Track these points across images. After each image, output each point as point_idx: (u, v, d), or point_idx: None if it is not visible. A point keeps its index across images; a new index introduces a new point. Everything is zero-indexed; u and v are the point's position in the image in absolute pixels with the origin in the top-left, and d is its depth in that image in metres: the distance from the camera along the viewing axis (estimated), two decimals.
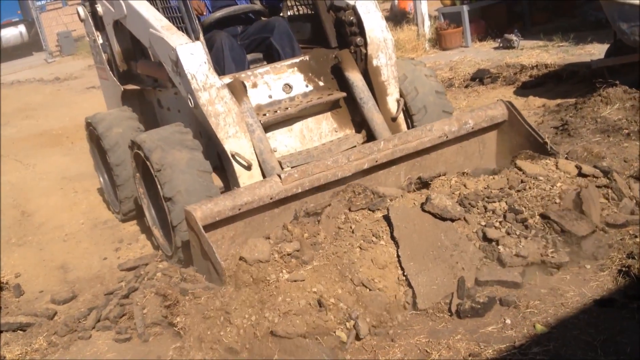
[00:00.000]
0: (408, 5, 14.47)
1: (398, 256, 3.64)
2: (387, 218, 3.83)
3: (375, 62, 4.88)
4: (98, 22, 6.12)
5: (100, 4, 5.87)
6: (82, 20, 6.38)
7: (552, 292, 3.50)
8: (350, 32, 4.95)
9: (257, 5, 5.61)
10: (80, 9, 6.26)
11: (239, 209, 3.84)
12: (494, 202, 4.01)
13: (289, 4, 6.02)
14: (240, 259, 3.57)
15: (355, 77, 4.87)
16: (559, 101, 7.12)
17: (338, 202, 4.06)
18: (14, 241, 5.95)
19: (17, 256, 5.58)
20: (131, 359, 3.64)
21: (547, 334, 3.16)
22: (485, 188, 4.18)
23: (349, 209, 4.00)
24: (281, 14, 5.89)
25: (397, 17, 14.40)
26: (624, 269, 3.52)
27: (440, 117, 4.97)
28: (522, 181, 4.15)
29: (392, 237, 3.72)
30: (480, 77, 8.73)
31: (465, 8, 10.81)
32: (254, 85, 4.77)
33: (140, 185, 4.97)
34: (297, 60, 4.99)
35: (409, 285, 3.53)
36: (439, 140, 4.49)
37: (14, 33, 25.13)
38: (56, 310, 4.41)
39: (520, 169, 4.29)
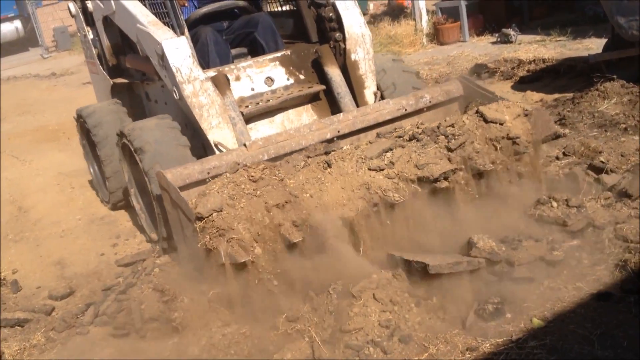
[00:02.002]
0: (406, 1, 14.45)
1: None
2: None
3: (353, 57, 5.02)
4: (88, 17, 6.29)
5: (91, 0, 6.03)
6: (73, 16, 6.59)
7: (549, 286, 3.51)
8: (329, 28, 5.11)
9: (242, 2, 5.73)
10: (72, 5, 6.43)
11: (208, 172, 3.98)
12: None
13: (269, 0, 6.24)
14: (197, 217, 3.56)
15: (333, 72, 5.03)
16: (556, 96, 7.12)
17: (298, 154, 4.25)
18: (10, 237, 5.94)
19: (14, 252, 5.58)
20: (129, 354, 3.63)
21: (544, 328, 3.17)
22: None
23: (308, 157, 4.17)
24: (262, 10, 6.06)
25: (394, 12, 14.38)
26: (620, 263, 3.53)
27: None
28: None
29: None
30: (477, 72, 8.73)
31: (463, 3, 10.80)
32: (237, 79, 4.93)
33: (127, 174, 5.19)
34: (278, 54, 5.15)
35: (418, 264, 3.53)
36: (397, 112, 4.64)
37: (9, 28, 25.09)
38: (54, 306, 4.41)
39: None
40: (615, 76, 6.39)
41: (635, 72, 6.40)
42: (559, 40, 9.24)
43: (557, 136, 4.51)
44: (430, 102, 4.78)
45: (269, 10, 6.24)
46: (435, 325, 3.37)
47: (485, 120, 4.23)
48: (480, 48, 10.09)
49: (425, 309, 3.48)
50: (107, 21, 5.89)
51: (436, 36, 11.26)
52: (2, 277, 4.93)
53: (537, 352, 2.99)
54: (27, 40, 25.44)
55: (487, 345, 3.11)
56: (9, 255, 5.51)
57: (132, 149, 4.70)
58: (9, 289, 4.80)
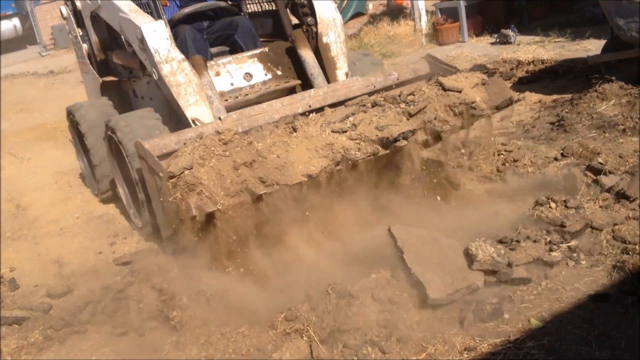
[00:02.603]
0: (405, 1, 14.45)
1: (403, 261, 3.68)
2: (390, 234, 3.86)
3: (325, 40, 5.28)
4: (79, 19, 6.59)
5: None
6: (64, 19, 6.91)
7: (547, 287, 3.51)
8: (302, 13, 5.42)
9: (223, 3, 5.97)
10: (63, 8, 6.77)
11: (184, 143, 4.09)
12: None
13: (248, 0, 6.49)
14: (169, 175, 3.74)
15: (307, 55, 5.29)
16: (555, 97, 7.12)
17: (267, 125, 4.42)
18: (8, 235, 5.93)
19: (12, 250, 5.57)
20: (127, 353, 3.63)
21: (542, 328, 3.18)
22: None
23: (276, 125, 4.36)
24: (243, 10, 6.33)
25: (393, 12, 14.37)
26: (618, 264, 3.54)
27: None
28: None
29: (396, 247, 3.75)
30: None
31: (463, 3, 10.79)
32: (217, 74, 5.18)
33: (113, 164, 5.46)
34: (257, 51, 5.41)
35: (418, 283, 3.53)
36: (366, 89, 4.84)
37: (8, 26, 25.01)
38: (52, 304, 4.41)
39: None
40: (614, 78, 6.40)
41: (634, 74, 6.41)
42: (558, 41, 9.24)
43: (511, 102, 4.67)
44: (398, 79, 4.98)
45: (249, 10, 6.49)
46: (433, 325, 3.38)
47: (444, 89, 4.44)
48: (479, 49, 10.10)
49: (423, 308, 3.49)
50: (95, 18, 6.19)
51: (435, 37, 11.25)
52: (0, 275, 4.93)
53: (534, 352, 3.00)
54: (25, 38, 25.39)
55: (485, 345, 3.12)
56: (7, 253, 5.50)
57: (117, 140, 4.96)
58: (7, 287, 4.80)
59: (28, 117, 11.61)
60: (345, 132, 4.21)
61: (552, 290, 3.46)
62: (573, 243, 3.77)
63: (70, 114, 6.23)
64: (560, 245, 3.77)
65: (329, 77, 5.24)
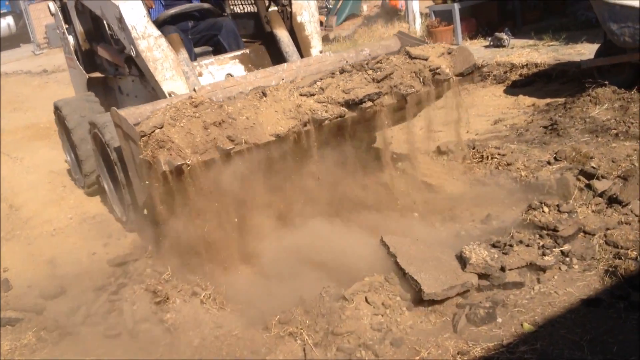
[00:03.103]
0: (399, 3, 14.47)
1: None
2: (382, 243, 3.88)
3: (299, 19, 5.48)
4: (67, 14, 6.73)
5: None
6: (52, 15, 7.03)
7: (539, 291, 3.53)
8: None
9: (207, 5, 6.11)
10: (51, 5, 6.91)
11: None
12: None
13: (231, 2, 6.66)
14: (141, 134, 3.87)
15: (282, 34, 5.49)
16: (548, 100, 7.16)
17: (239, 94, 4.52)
18: (2, 235, 5.91)
19: (5, 250, 5.54)
20: (120, 355, 3.63)
21: (535, 332, 3.20)
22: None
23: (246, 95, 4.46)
24: (226, 11, 6.54)
25: (388, 14, 14.40)
26: (610, 269, 3.56)
27: None
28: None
29: (389, 253, 3.77)
30: None
31: (457, 6, 10.81)
32: (200, 74, 5.27)
33: (99, 160, 5.62)
34: (239, 53, 5.58)
35: (412, 281, 3.54)
36: (339, 64, 4.90)
37: (2, 25, 24.94)
38: (45, 306, 4.38)
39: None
40: (607, 82, 6.44)
41: (627, 78, 6.46)
42: (552, 45, 9.28)
43: (475, 67, 4.83)
44: (369, 55, 5.06)
45: (232, 11, 6.66)
46: (427, 328, 3.40)
47: (411, 57, 4.66)
48: (473, 51, 9.92)
49: (416, 312, 3.50)
50: (80, 9, 6.39)
51: (429, 39, 11.27)
52: None
53: (527, 356, 3.01)
54: (19, 37, 25.32)
55: (478, 349, 3.13)
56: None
57: (103, 140, 5.07)
58: (0, 287, 4.78)
59: (22, 116, 11.58)
60: (313, 95, 4.38)
61: (544, 295, 3.48)
62: (566, 247, 3.79)
63: (57, 109, 6.42)
64: (553, 249, 3.78)
65: (303, 55, 5.39)
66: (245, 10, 6.49)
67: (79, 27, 6.58)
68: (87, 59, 6.74)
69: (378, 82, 4.46)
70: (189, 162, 3.82)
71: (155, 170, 3.85)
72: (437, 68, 4.60)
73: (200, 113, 4.01)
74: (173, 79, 4.82)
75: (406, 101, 4.57)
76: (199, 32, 5.96)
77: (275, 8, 5.65)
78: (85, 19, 6.52)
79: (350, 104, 4.34)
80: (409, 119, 5.18)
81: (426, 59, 4.64)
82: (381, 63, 4.59)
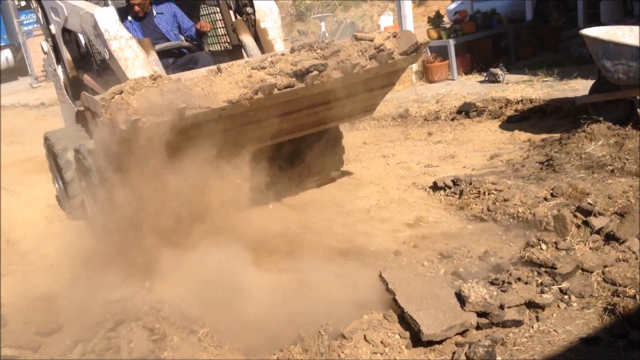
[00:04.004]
0: None
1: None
2: (381, 279, 3.88)
3: (262, 25, 5.95)
4: (57, 52, 7.02)
5: (52, 21, 6.71)
6: (45, 53, 7.38)
7: (538, 329, 3.53)
8: (242, 4, 6.07)
9: (185, 43, 6.54)
10: (44, 44, 7.24)
11: None
12: None
13: (209, 41, 7.09)
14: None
15: (247, 39, 5.92)
16: (544, 136, 7.22)
17: None
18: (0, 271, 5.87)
19: (0, 286, 5.50)
20: None
21: None
22: None
23: None
24: (204, 50, 6.80)
25: None
26: (609, 306, 3.57)
27: None
28: None
29: (387, 289, 3.77)
30: (466, 111, 8.82)
31: (452, 42, 10.95)
32: None
33: (83, 183, 6.06)
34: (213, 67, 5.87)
35: (412, 321, 3.53)
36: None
37: (0, 58, 25.09)
38: (41, 343, 4.34)
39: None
40: (601, 118, 6.51)
41: (622, 115, 6.53)
42: (546, 81, 9.38)
43: (417, 46, 5.14)
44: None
45: (210, 50, 7.00)
46: None
47: (357, 39, 5.16)
48: (469, 87, 10.22)
49: (415, 351, 3.49)
50: (67, 38, 6.65)
51: (425, 74, 11.39)
52: None
53: None
54: (17, 70, 25.45)
55: None
56: None
57: (85, 163, 5.56)
58: None
59: (19, 149, 11.58)
60: (264, 68, 4.80)
61: (544, 333, 3.48)
62: (564, 285, 3.80)
63: (47, 140, 6.91)
64: (552, 287, 3.79)
65: None
66: (222, 49, 6.88)
67: (66, 56, 6.78)
68: (75, 91, 6.90)
69: (326, 58, 4.88)
70: (144, 120, 4.20)
71: (115, 132, 4.26)
72: (381, 45, 5.05)
73: (158, 84, 4.45)
74: (143, 76, 5.07)
75: (355, 75, 4.96)
76: (178, 67, 6.12)
77: (239, 18, 6.16)
78: (72, 48, 6.79)
79: (298, 75, 4.73)
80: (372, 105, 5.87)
81: (371, 40, 5.14)
82: (328, 44, 5.06)
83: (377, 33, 5.37)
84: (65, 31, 6.53)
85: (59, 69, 7.10)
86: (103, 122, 4.37)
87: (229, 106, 4.52)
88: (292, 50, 5.11)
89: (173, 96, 4.34)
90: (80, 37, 6.64)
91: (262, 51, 5.86)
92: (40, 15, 7.09)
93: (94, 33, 5.28)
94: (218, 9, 6.77)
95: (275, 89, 4.66)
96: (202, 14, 7.18)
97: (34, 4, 7.19)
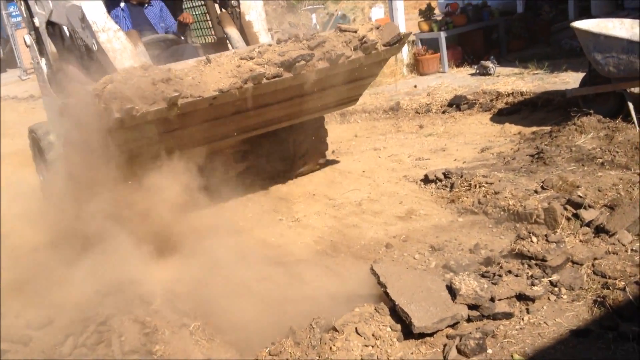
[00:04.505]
0: None
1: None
2: (372, 272, 3.87)
3: (247, 18, 6.06)
4: (42, 47, 7.04)
5: (36, 14, 6.74)
6: (28, 46, 7.34)
7: (529, 321, 3.54)
8: None
9: (170, 35, 6.64)
10: (27, 37, 7.23)
11: None
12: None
13: (194, 34, 7.32)
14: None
15: (232, 31, 6.06)
16: (534, 129, 7.24)
17: None
18: None
19: None
20: None
21: None
22: None
23: None
24: (188, 42, 7.00)
25: None
26: (599, 299, 3.58)
27: None
28: None
29: (379, 282, 3.77)
30: (457, 103, 8.84)
31: (443, 34, 10.95)
32: None
33: None
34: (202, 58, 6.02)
35: (403, 313, 3.53)
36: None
37: None
38: (32, 337, 4.32)
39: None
40: (592, 111, 6.53)
41: (612, 108, 6.55)
42: (537, 74, 9.40)
43: (400, 37, 5.38)
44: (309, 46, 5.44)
45: (194, 43, 7.17)
46: None
47: (341, 30, 5.33)
48: (460, 79, 10.23)
49: (407, 343, 3.50)
50: (51, 30, 6.64)
51: (416, 67, 11.40)
52: None
53: None
54: (6, 62, 25.29)
55: None
56: None
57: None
58: None
59: (9, 142, 11.50)
60: (252, 58, 4.94)
61: (534, 325, 3.49)
62: (554, 277, 3.81)
63: (32, 132, 7.22)
64: (542, 279, 3.80)
65: None
66: (206, 42, 7.00)
67: (50, 48, 6.77)
68: (59, 83, 6.90)
69: (312, 49, 5.03)
70: (137, 108, 4.31)
71: (108, 121, 4.35)
72: (364, 37, 5.24)
73: (149, 73, 4.49)
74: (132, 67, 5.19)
75: (338, 67, 5.14)
76: (165, 59, 6.12)
77: (224, 10, 6.30)
78: (57, 40, 6.76)
79: (286, 65, 4.88)
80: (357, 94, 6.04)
81: (355, 31, 5.32)
82: (313, 36, 5.20)
83: (360, 25, 5.52)
84: (50, 24, 6.53)
85: (42, 62, 7.09)
86: (94, 110, 4.42)
87: (220, 95, 4.65)
88: (279, 41, 5.23)
89: (165, 85, 4.44)
90: (65, 29, 6.62)
91: (247, 43, 5.97)
92: (23, 8, 7.08)
93: (81, 25, 5.34)
94: (202, 2, 6.83)
95: (264, 79, 4.79)
96: (185, 7, 7.29)
97: None
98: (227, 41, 6.12)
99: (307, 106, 5.63)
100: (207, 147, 5.47)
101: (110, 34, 5.22)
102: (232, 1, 6.11)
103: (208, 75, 4.73)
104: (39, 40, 7.01)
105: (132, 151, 4.94)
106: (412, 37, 12.23)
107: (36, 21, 6.78)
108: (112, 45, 5.21)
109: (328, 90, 5.55)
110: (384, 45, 5.38)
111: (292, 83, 5.03)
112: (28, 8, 6.90)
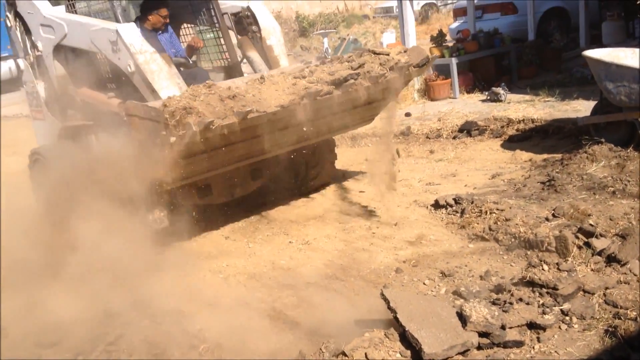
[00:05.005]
0: None
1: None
2: (383, 297, 3.87)
3: (268, 42, 6.49)
4: (40, 71, 7.00)
5: (40, 39, 6.68)
6: (21, 71, 7.32)
7: (540, 350, 3.52)
8: (247, 24, 6.56)
9: (182, 59, 6.72)
10: (21, 62, 7.26)
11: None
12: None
13: (202, 58, 7.50)
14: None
15: (254, 55, 6.45)
16: (545, 156, 7.24)
17: None
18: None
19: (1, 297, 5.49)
20: None
21: None
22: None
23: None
24: (197, 65, 7.17)
25: None
26: (610, 329, 3.56)
27: None
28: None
29: (389, 308, 3.76)
30: (468, 129, 8.86)
31: (454, 60, 11.01)
32: None
33: None
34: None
35: (413, 339, 3.52)
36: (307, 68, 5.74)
37: (4, 69, 25.18)
38: (41, 355, 4.34)
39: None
40: (603, 139, 6.53)
41: (623, 136, 6.55)
42: (548, 101, 9.42)
43: (428, 60, 5.89)
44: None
45: (205, 67, 7.29)
46: None
47: (375, 53, 5.72)
48: (470, 105, 10.26)
49: None
50: (57, 51, 6.55)
51: (427, 92, 11.44)
52: None
53: None
54: (20, 80, 25.49)
55: None
56: None
57: None
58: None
59: (21, 160, 11.56)
60: (305, 77, 5.29)
61: (545, 354, 3.47)
62: (565, 306, 3.79)
63: (37, 154, 6.88)
64: (553, 308, 3.79)
65: None
66: (213, 65, 7.14)
67: (57, 72, 6.70)
68: (62, 107, 6.87)
69: (355, 69, 5.41)
70: (215, 121, 4.51)
71: (183, 135, 4.52)
72: (398, 60, 5.69)
73: (214, 90, 4.79)
74: (169, 88, 5.42)
75: (378, 84, 5.54)
76: None
77: (244, 36, 6.60)
78: (66, 62, 6.69)
79: (336, 83, 5.25)
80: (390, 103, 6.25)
81: (388, 54, 5.75)
82: (352, 58, 5.63)
83: (389, 49, 5.99)
84: (58, 48, 6.54)
85: (40, 86, 7.06)
86: (162, 126, 4.63)
87: (280, 110, 4.93)
88: (322, 62, 5.70)
89: (232, 102, 4.74)
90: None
91: (269, 67, 6.28)
92: (18, 32, 7.03)
93: (112, 48, 5.53)
94: (216, 28, 6.92)
95: (319, 96, 5.10)
96: (192, 32, 7.47)
97: (10, 22, 7.03)
98: (250, 64, 6.41)
99: (337, 123, 5.98)
100: (235, 165, 5.76)
101: (147, 56, 5.45)
102: (253, 27, 6.45)
103: (266, 92, 5.02)
104: (36, 65, 7.00)
105: (181, 168, 5.14)
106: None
107: (39, 45, 6.76)
108: (149, 67, 5.44)
109: (358, 108, 5.91)
110: (414, 67, 5.80)
111: (340, 100, 5.37)
112: (27, 32, 6.91)
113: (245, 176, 6.39)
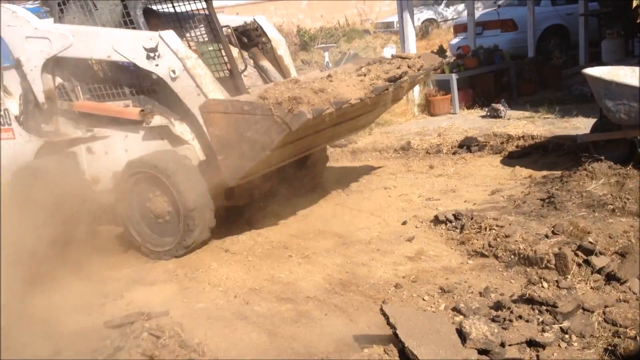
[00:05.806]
0: None
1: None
2: (382, 313, 3.87)
3: (279, 52, 7.17)
4: (7, 88, 6.90)
5: (24, 52, 6.53)
6: None
7: None
8: (255, 36, 7.10)
9: None
10: None
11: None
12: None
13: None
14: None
15: (267, 65, 7.03)
16: (545, 173, 7.26)
17: None
18: None
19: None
20: None
21: None
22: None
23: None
24: None
25: None
26: (610, 347, 3.57)
27: None
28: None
29: (388, 323, 3.75)
30: (467, 145, 8.88)
31: (454, 76, 11.05)
32: None
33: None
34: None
35: (412, 356, 3.50)
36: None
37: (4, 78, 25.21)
38: None
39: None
40: (602, 157, 6.55)
41: (622, 154, 6.58)
42: (547, 118, 9.45)
43: (442, 63, 7.24)
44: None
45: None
46: None
47: (402, 58, 6.78)
48: (470, 121, 10.29)
49: None
50: (48, 65, 6.44)
51: (427, 107, 11.47)
52: None
53: None
54: None
55: None
56: None
57: None
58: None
59: None
60: (365, 75, 5.99)
61: None
62: (565, 324, 3.80)
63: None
64: (553, 325, 3.79)
65: None
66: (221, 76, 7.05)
67: (44, 87, 6.52)
68: (45, 121, 6.69)
69: (397, 68, 6.26)
70: (326, 109, 5.08)
71: (289, 124, 4.96)
72: (422, 64, 6.66)
73: (305, 85, 5.31)
74: (214, 91, 5.73)
75: (415, 83, 6.85)
76: None
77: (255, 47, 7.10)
78: (62, 74, 6.55)
79: (392, 80, 6.02)
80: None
81: (410, 58, 6.71)
82: (391, 61, 6.62)
83: (407, 54, 7.11)
84: (50, 61, 6.41)
85: (10, 103, 6.83)
86: (261, 117, 5.06)
87: (358, 103, 5.53)
88: (369, 64, 6.57)
89: (325, 95, 5.21)
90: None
91: (283, 76, 6.88)
92: None
93: (149, 55, 5.76)
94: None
95: (384, 90, 5.82)
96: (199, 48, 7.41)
97: None
98: (263, 73, 6.98)
99: (363, 120, 6.92)
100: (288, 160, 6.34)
101: (193, 61, 5.75)
102: (263, 38, 7.02)
103: (340, 88, 5.52)
104: (3, 81, 6.81)
105: (264, 161, 5.54)
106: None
107: (22, 60, 6.57)
108: (196, 72, 5.71)
109: (380, 106, 6.78)
110: (433, 70, 6.94)
111: (388, 96, 6.19)
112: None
113: (260, 177, 6.45)
